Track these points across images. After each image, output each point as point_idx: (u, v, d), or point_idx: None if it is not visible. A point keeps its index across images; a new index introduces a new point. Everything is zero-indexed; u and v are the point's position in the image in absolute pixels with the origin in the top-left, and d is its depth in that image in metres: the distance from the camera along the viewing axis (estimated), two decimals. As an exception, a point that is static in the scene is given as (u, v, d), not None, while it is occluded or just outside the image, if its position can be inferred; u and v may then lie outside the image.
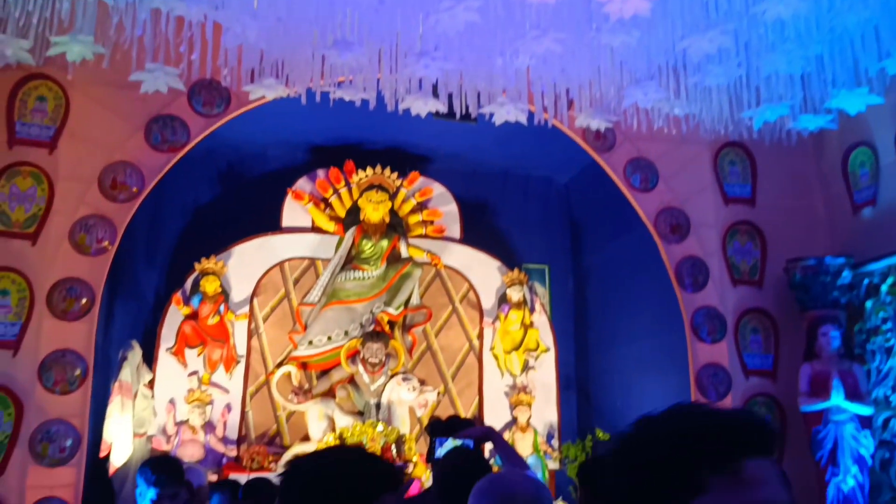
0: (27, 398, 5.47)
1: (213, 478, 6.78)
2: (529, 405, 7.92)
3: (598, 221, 8.98)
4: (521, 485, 1.97)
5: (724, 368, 6.53)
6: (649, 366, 7.62)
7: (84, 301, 5.70)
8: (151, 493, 3.48)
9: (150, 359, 7.37)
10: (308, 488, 1.31)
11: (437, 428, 3.15)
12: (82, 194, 5.85)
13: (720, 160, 6.99)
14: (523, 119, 5.51)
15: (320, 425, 7.40)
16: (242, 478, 5.71)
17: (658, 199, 6.80)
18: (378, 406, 7.54)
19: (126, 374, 6.88)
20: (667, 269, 6.73)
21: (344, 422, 7.31)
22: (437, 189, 8.52)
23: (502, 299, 8.32)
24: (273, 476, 5.66)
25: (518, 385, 8.08)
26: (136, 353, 7.10)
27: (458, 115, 5.25)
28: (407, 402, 7.53)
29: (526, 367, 8.19)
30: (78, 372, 5.60)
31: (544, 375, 8.22)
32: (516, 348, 8.16)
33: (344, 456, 1.38)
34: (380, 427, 7.10)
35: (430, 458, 3.11)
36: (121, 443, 6.68)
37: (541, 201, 9.56)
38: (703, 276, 6.67)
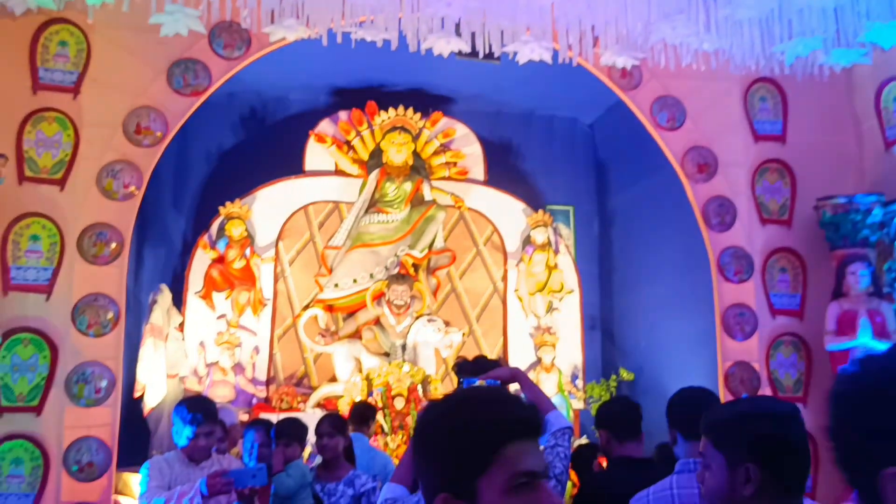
0: (62, 341, 5.60)
1: (244, 417, 6.97)
2: (553, 346, 7.99)
3: (624, 162, 8.88)
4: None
5: (751, 308, 6.50)
6: (674, 306, 7.62)
7: (114, 246, 5.78)
8: (188, 431, 3.58)
9: (179, 302, 7.52)
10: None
11: (464, 368, 3.18)
12: (108, 140, 5.87)
13: (750, 97, 6.83)
14: (547, 57, 5.41)
15: (347, 366, 7.54)
16: (272, 417, 5.86)
17: (685, 138, 6.69)
18: (404, 347, 7.65)
19: (157, 317, 7.03)
20: (693, 210, 6.66)
21: (370, 363, 7.44)
22: (461, 130, 8.46)
23: (526, 241, 8.32)
24: (303, 416, 5.80)
25: (542, 326, 8.14)
26: (165, 297, 7.24)
27: (481, 55, 5.15)
28: (432, 343, 7.63)
29: (550, 309, 8.23)
30: (110, 315, 5.71)
31: (568, 316, 8.27)
32: (541, 290, 8.19)
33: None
34: (406, 367, 7.21)
35: None
36: (154, 384, 6.87)
37: (565, 142, 9.47)
38: (731, 216, 6.60)
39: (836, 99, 6.74)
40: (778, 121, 6.84)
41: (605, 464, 3.43)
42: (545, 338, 8.02)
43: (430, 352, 7.68)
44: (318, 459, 4.32)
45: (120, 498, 6.01)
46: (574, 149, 9.52)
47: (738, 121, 6.79)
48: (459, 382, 3.04)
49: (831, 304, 6.20)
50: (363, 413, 5.18)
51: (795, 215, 6.70)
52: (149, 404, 6.86)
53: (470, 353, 7.43)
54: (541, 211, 8.42)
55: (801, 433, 1.62)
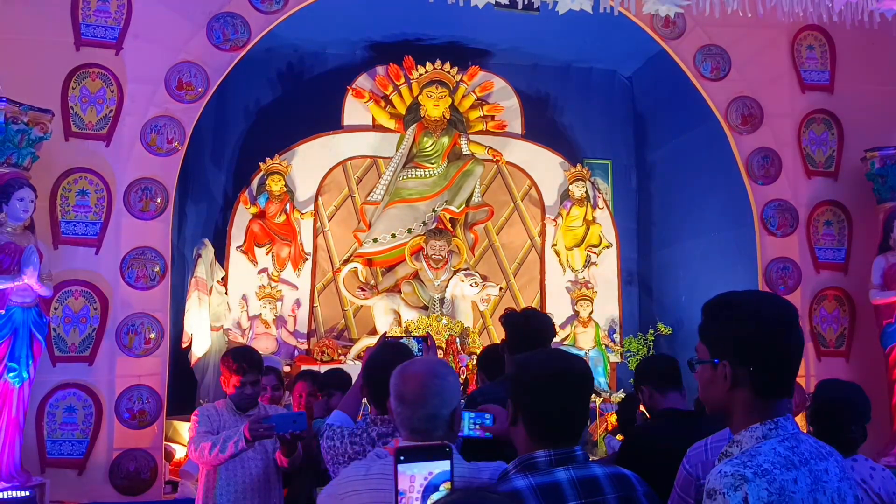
0: (111, 293, 5.72)
1: (287, 369, 7.10)
2: (591, 300, 7.98)
3: (664, 114, 8.72)
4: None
5: (794, 262, 6.40)
6: (715, 260, 7.53)
7: (159, 200, 5.86)
8: (234, 380, 3.65)
9: (221, 257, 7.62)
10: None
11: (513, 319, 3.17)
12: (151, 95, 5.91)
13: (797, 45, 6.63)
14: (588, 7, 5.26)
15: (387, 319, 7.61)
16: (314, 369, 5.96)
17: (729, 89, 6.53)
18: (442, 301, 7.69)
19: (201, 270, 7.14)
20: (737, 162, 6.53)
21: (409, 315, 7.50)
22: (498, 83, 8.36)
23: (564, 195, 8.26)
24: (344, 367, 5.88)
25: (580, 280, 8.12)
26: (208, 251, 7.34)
27: (519, 5, 5.03)
28: (470, 297, 7.65)
29: (588, 263, 8.20)
30: (157, 268, 5.82)
31: (606, 271, 8.23)
32: (578, 245, 8.15)
33: None
34: (444, 321, 7.26)
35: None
36: (200, 335, 7.01)
37: (604, 95, 9.31)
38: (776, 168, 6.46)
39: (886, 47, 6.50)
40: (825, 70, 6.64)
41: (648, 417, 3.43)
42: (583, 292, 8.00)
43: (468, 305, 7.71)
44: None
45: (170, 444, 6.18)
46: (612, 101, 9.37)
47: (785, 70, 6.61)
48: (507, 333, 3.06)
49: (877, 258, 6.07)
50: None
51: (842, 167, 6.54)
52: (196, 354, 7.01)
53: (506, 308, 7.45)
54: (579, 165, 8.33)
55: (786, 336, 1.64)
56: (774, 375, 1.62)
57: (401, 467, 1.53)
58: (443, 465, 1.54)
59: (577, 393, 1.85)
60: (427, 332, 6.00)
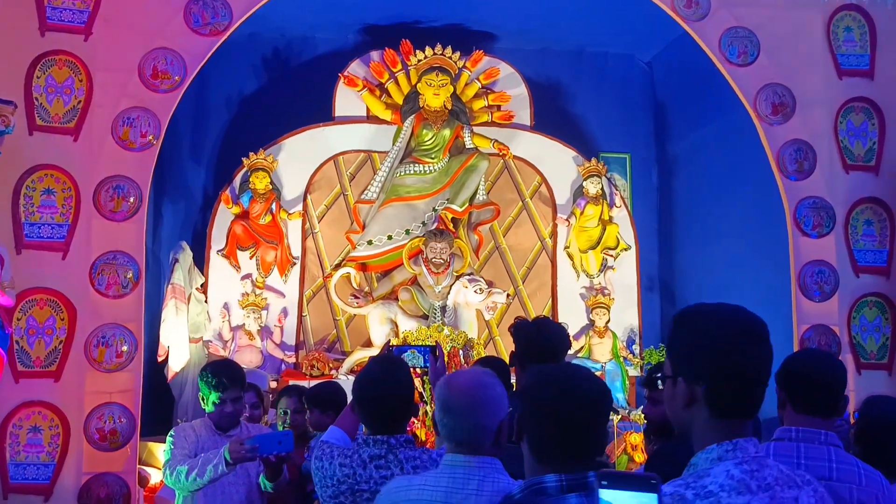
0: (80, 302, 5.71)
1: (273, 385, 7.10)
2: (608, 308, 7.97)
3: (687, 103, 8.72)
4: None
5: (831, 266, 6.38)
6: (744, 264, 7.52)
7: (132, 200, 5.85)
8: (214, 397, 3.63)
9: (200, 261, 7.63)
10: None
11: (523, 329, 3.18)
12: (123, 85, 5.90)
13: (833, 27, 6.61)
14: (604, -15, 5.29)
15: (382, 329, 7.61)
16: (303, 385, 5.95)
17: (759, 75, 6.51)
18: (444, 309, 7.70)
19: (178, 276, 7.15)
20: (767, 155, 6.51)
21: (407, 325, 7.50)
22: (505, 70, 8.37)
23: (578, 193, 8.26)
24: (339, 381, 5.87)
25: (595, 286, 8.12)
26: (186, 256, 7.35)
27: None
28: (474, 304, 7.65)
29: (604, 267, 8.20)
30: (130, 275, 5.81)
31: (624, 276, 8.23)
32: (593, 247, 8.15)
33: None
34: (446, 331, 7.25)
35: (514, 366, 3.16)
36: (177, 348, 7.02)
37: (621, 82, 9.32)
38: (810, 162, 6.44)
39: (933, 28, 6.50)
40: (865, 54, 6.62)
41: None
42: (598, 299, 7.99)
43: (472, 314, 7.71)
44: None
45: (145, 468, 6.18)
46: (630, 89, 9.38)
47: (820, 54, 6.59)
48: (517, 344, 3.06)
49: (923, 260, 6.06)
50: None
51: (883, 161, 6.52)
52: (172, 369, 7.02)
53: (516, 315, 7.45)
54: (594, 159, 8.33)
55: (743, 353, 1.62)
56: (731, 394, 1.61)
57: (603, 493, 1.50)
58: (648, 499, 1.50)
59: (592, 413, 1.84)
60: (436, 342, 6.01)
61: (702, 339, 1.63)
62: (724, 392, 1.61)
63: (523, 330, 3.16)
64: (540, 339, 3.05)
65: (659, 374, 1.70)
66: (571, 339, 7.41)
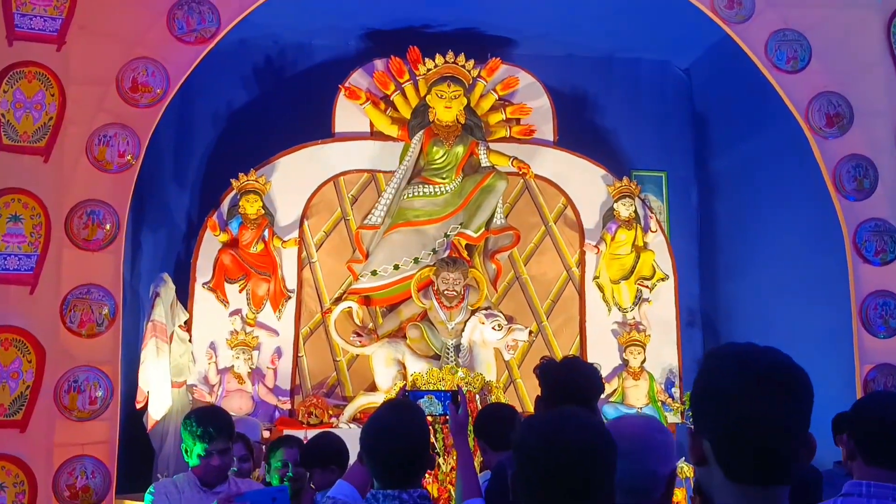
0: (49, 342, 5.71)
1: (266, 434, 7.07)
2: (643, 346, 7.93)
3: (730, 115, 8.73)
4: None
5: (897, 297, 6.35)
6: (797, 295, 7.48)
7: (108, 227, 5.88)
8: (199, 449, 3.62)
9: (184, 296, 7.64)
10: None
11: (550, 371, 3.16)
12: (99, 99, 5.96)
13: (894, 28, 6.63)
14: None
15: (388, 372, 7.58)
16: (299, 434, 5.93)
17: (810, 83, 6.52)
18: (457, 348, 7.67)
19: (159, 313, 7.16)
20: (821, 173, 6.50)
21: (417, 367, 7.47)
22: (525, 79, 8.41)
23: (608, 216, 8.25)
24: (337, 433, 5.83)
25: (629, 321, 8.09)
26: (168, 289, 7.37)
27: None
28: (492, 343, 7.62)
29: (639, 300, 8.17)
30: (105, 311, 5.82)
31: (662, 309, 8.20)
32: (626, 277, 8.13)
33: None
34: (460, 373, 7.22)
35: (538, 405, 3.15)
36: (158, 393, 7.01)
37: (655, 91, 9.35)
38: (871, 180, 6.42)
39: None
40: (930, 58, 6.63)
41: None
42: (633, 336, 7.95)
43: (490, 354, 7.67)
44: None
45: (121, 530, 6.15)
46: (666, 100, 9.40)
47: (880, 59, 6.60)
48: (542, 386, 3.05)
49: None
50: None
51: (955, 178, 6.50)
52: (153, 417, 7.00)
53: (539, 355, 7.41)
54: (625, 178, 8.33)
55: (739, 403, 1.51)
56: (739, 453, 1.50)
57: None
58: None
59: (580, 465, 1.78)
60: (458, 387, 5.99)
61: (709, 384, 1.54)
62: (732, 450, 1.50)
63: (550, 372, 3.14)
64: (569, 382, 3.03)
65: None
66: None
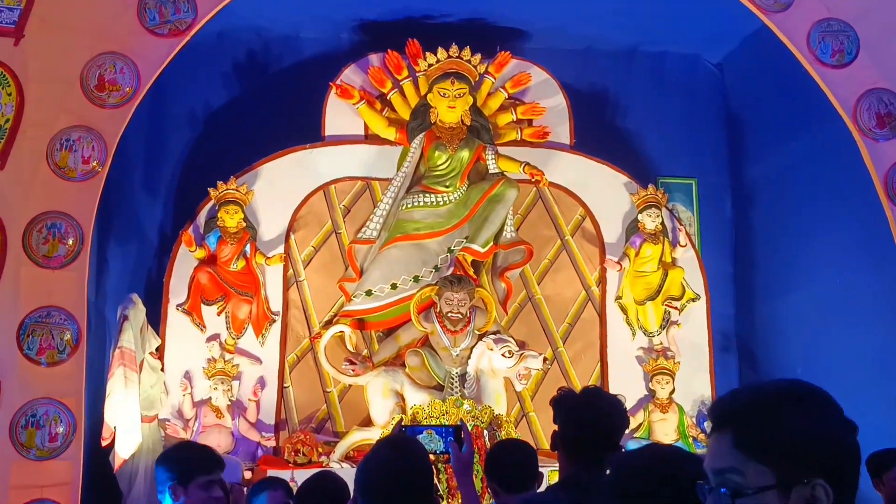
0: (5, 372, 5.73)
1: (247, 475, 7.06)
2: (672, 374, 7.91)
3: (768, 114, 8.74)
4: None
5: (959, 317, 6.35)
6: (845, 316, 7.46)
7: (70, 242, 5.90)
8: (179, 492, 3.61)
9: (156, 319, 7.63)
10: None
11: (568, 403, 3.15)
12: (61, 99, 5.99)
13: (952, 18, 6.65)
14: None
15: (385, 404, 7.56)
16: (285, 475, 5.91)
17: (858, 79, 6.54)
18: (463, 377, 7.64)
19: (128, 338, 7.14)
20: (872, 179, 6.51)
21: (417, 398, 7.45)
22: (537, 75, 8.42)
23: (632, 229, 8.25)
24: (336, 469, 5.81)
25: (656, 347, 8.07)
26: (138, 312, 7.35)
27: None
28: (501, 371, 7.60)
29: (666, 323, 8.16)
30: (68, 336, 5.84)
31: (692, 333, 8.18)
32: (653, 297, 8.12)
33: None
34: (466, 406, 7.20)
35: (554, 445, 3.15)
36: (127, 428, 6.98)
37: (684, 89, 9.36)
38: (927, 187, 6.43)
39: None
40: None
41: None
42: (660, 363, 7.93)
43: (499, 384, 7.65)
44: None
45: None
46: (696, 99, 9.41)
47: (935, 52, 6.61)
48: (559, 421, 3.04)
49: None
50: None
51: None
52: (120, 455, 6.97)
53: (555, 385, 7.40)
54: (651, 186, 8.32)
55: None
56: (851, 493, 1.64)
57: None
58: None
59: None
60: (461, 422, 5.97)
61: (820, 429, 1.64)
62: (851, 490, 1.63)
63: (569, 404, 3.14)
64: (591, 415, 3.03)
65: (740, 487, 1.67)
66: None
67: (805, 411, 1.64)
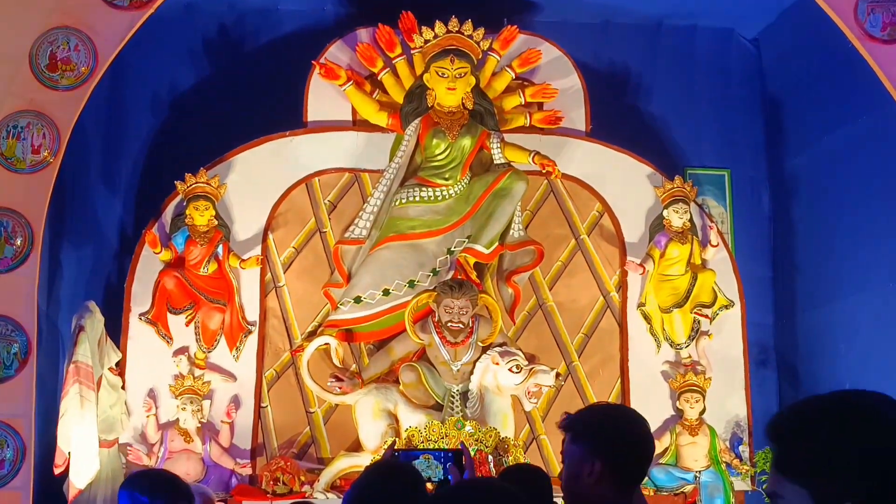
0: (-56, 389, 5.75)
1: (220, 507, 7.07)
2: (703, 392, 7.90)
3: (811, 97, 8.73)
4: None
5: None
6: (897, 326, 7.48)
7: (19, 242, 5.92)
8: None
9: (116, 330, 7.63)
10: None
11: (612, 420, 3.14)
12: (8, 81, 6.00)
13: None
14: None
15: (377, 426, 7.56)
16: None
17: (913, 56, 6.55)
18: (465, 396, 7.65)
19: (84, 352, 7.13)
20: (928, 169, 6.52)
21: (413, 419, 7.45)
22: (549, 53, 8.43)
23: (656, 226, 8.25)
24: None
25: (684, 361, 8.07)
26: (95, 322, 7.35)
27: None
28: (508, 388, 7.61)
29: (696, 333, 8.15)
30: (15, 349, 5.85)
31: (726, 345, 8.18)
32: (680, 303, 8.11)
33: None
34: (468, 428, 7.21)
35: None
36: (83, 454, 6.98)
37: (715, 68, 9.37)
38: None
39: None
40: None
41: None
42: (689, 379, 7.92)
43: (506, 403, 7.65)
44: None
45: None
46: (729, 79, 9.42)
47: None
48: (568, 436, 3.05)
49: None
50: None
51: None
52: (75, 485, 6.97)
53: (569, 404, 7.40)
54: (678, 178, 8.32)
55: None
56: None
57: None
58: None
59: None
60: (461, 445, 5.97)
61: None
62: None
63: (614, 423, 3.12)
64: (642, 436, 3.00)
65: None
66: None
67: (844, 426, 1.68)
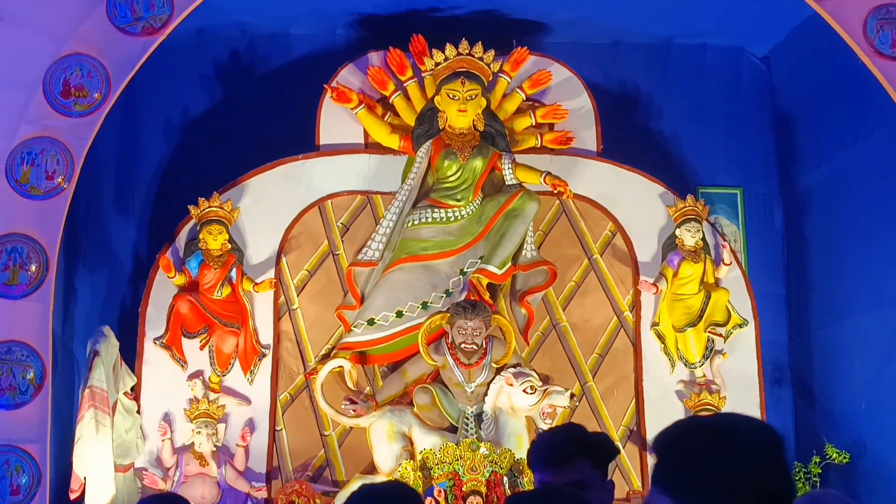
0: (-40, 415, 5.76)
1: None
2: (718, 411, 7.87)
3: (823, 114, 8.72)
4: None
5: None
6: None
7: (34, 268, 5.93)
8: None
9: (131, 355, 7.64)
10: None
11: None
12: (21, 108, 6.02)
13: None
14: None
15: (391, 449, 7.55)
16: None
17: (923, 72, 6.54)
18: (479, 417, 7.63)
19: (99, 376, 7.15)
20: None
21: (427, 441, 7.44)
22: (559, 73, 8.44)
23: (669, 245, 8.23)
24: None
25: (698, 380, 8.04)
26: (110, 347, 7.36)
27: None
28: (523, 409, 7.59)
29: (710, 352, 8.12)
30: (31, 375, 5.86)
31: (740, 364, 8.15)
32: (694, 323, 8.09)
33: None
34: (483, 450, 7.19)
35: None
36: (98, 479, 6.98)
37: (726, 87, 9.37)
38: None
39: None
40: None
41: None
42: (703, 399, 7.90)
43: (521, 424, 7.63)
44: None
45: None
46: (740, 97, 9.41)
47: None
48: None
49: None
50: None
51: None
52: (91, 511, 7.00)
53: (586, 424, 7.37)
54: (690, 197, 8.31)
55: None
56: None
57: None
58: None
59: None
60: (455, 471, 5.94)
61: None
62: None
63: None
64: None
65: None
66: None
67: (711, 447, 1.89)
